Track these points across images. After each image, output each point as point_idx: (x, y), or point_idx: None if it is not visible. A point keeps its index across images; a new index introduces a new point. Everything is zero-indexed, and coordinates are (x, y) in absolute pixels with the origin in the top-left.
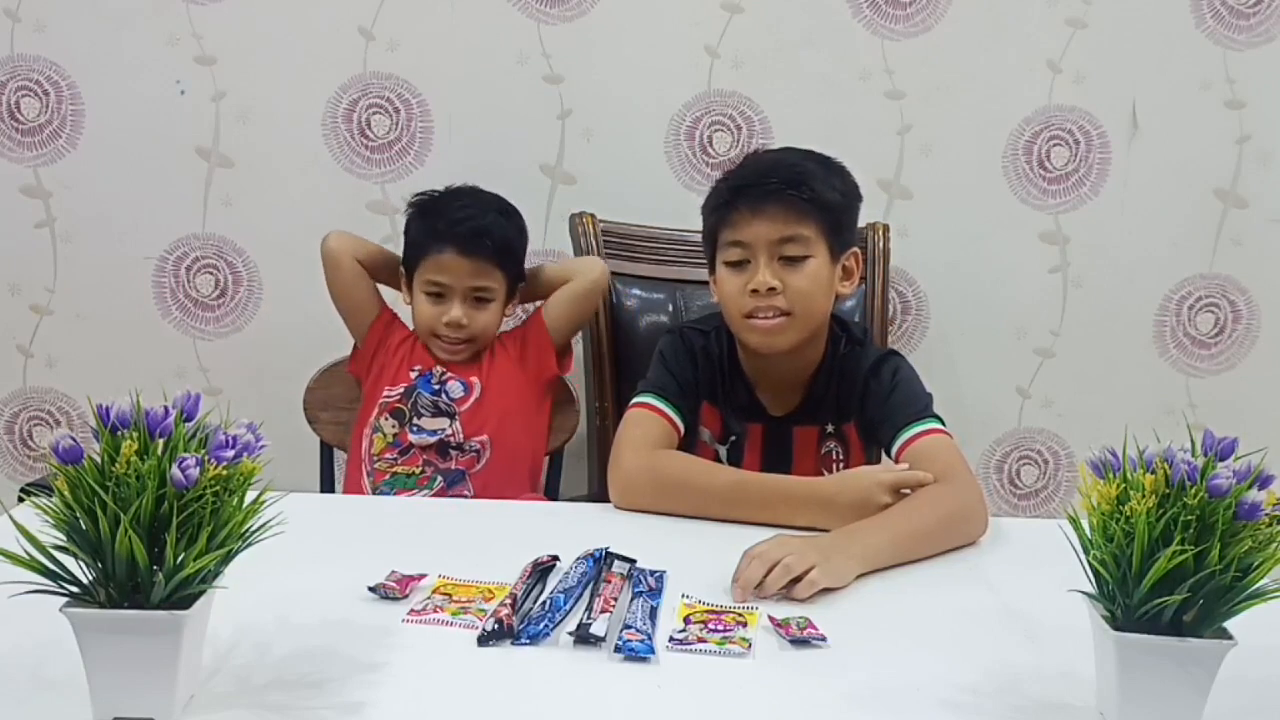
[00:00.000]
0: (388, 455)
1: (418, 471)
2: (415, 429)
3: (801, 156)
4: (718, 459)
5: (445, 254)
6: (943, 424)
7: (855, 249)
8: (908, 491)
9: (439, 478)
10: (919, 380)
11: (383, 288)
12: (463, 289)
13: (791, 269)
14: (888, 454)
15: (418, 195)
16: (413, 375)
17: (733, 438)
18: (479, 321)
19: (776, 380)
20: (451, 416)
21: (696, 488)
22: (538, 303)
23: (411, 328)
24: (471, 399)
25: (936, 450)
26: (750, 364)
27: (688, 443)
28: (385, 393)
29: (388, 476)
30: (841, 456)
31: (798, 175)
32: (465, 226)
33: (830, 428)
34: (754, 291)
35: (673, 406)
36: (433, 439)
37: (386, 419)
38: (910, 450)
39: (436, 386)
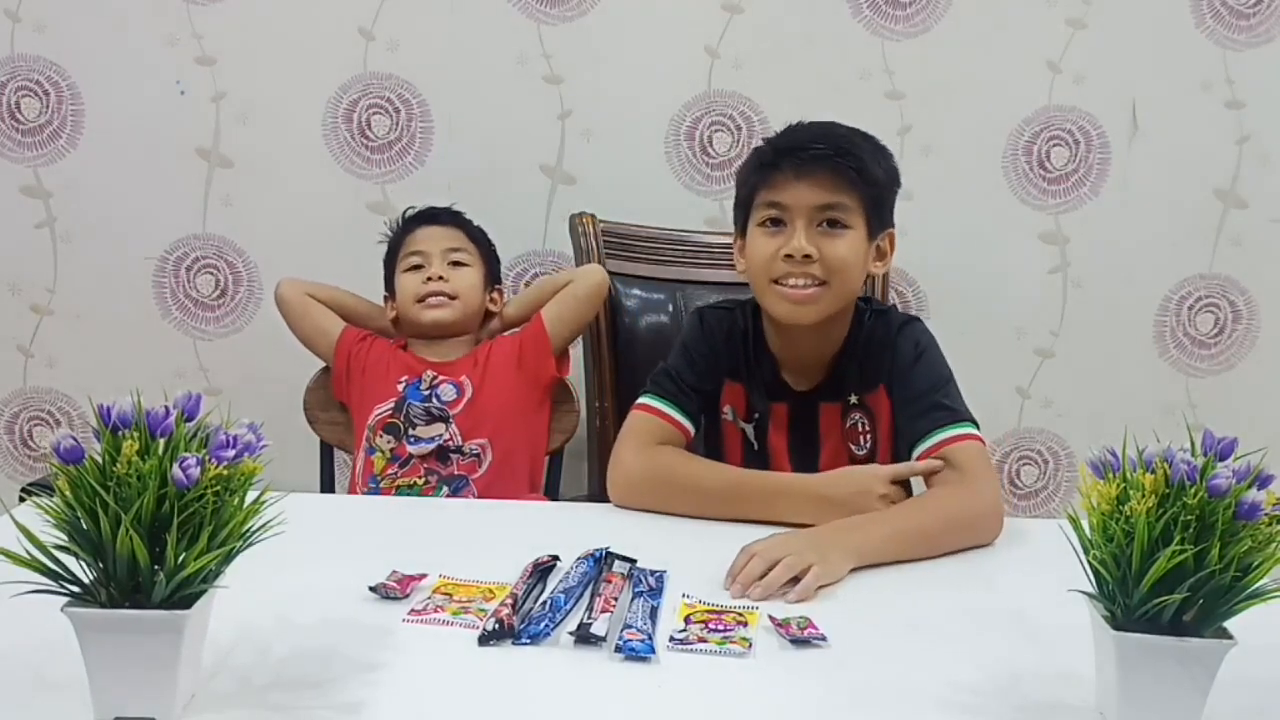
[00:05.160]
0: (389, 472)
1: (420, 482)
2: (412, 439)
3: (849, 130)
4: (744, 438)
5: (420, 229)
6: (973, 422)
7: (891, 230)
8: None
9: (443, 486)
10: (941, 356)
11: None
12: (439, 252)
13: (830, 237)
14: (899, 438)
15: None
16: (400, 387)
17: (757, 415)
18: (459, 279)
19: (800, 356)
20: (446, 420)
21: (695, 487)
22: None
23: (391, 339)
24: (464, 400)
25: (958, 456)
26: (775, 340)
27: (710, 423)
28: (375, 411)
29: (392, 493)
30: (868, 428)
31: (845, 145)
32: (437, 209)
33: (854, 399)
34: (788, 257)
35: (676, 407)
36: (430, 446)
37: (381, 436)
38: (936, 454)
39: (426, 392)
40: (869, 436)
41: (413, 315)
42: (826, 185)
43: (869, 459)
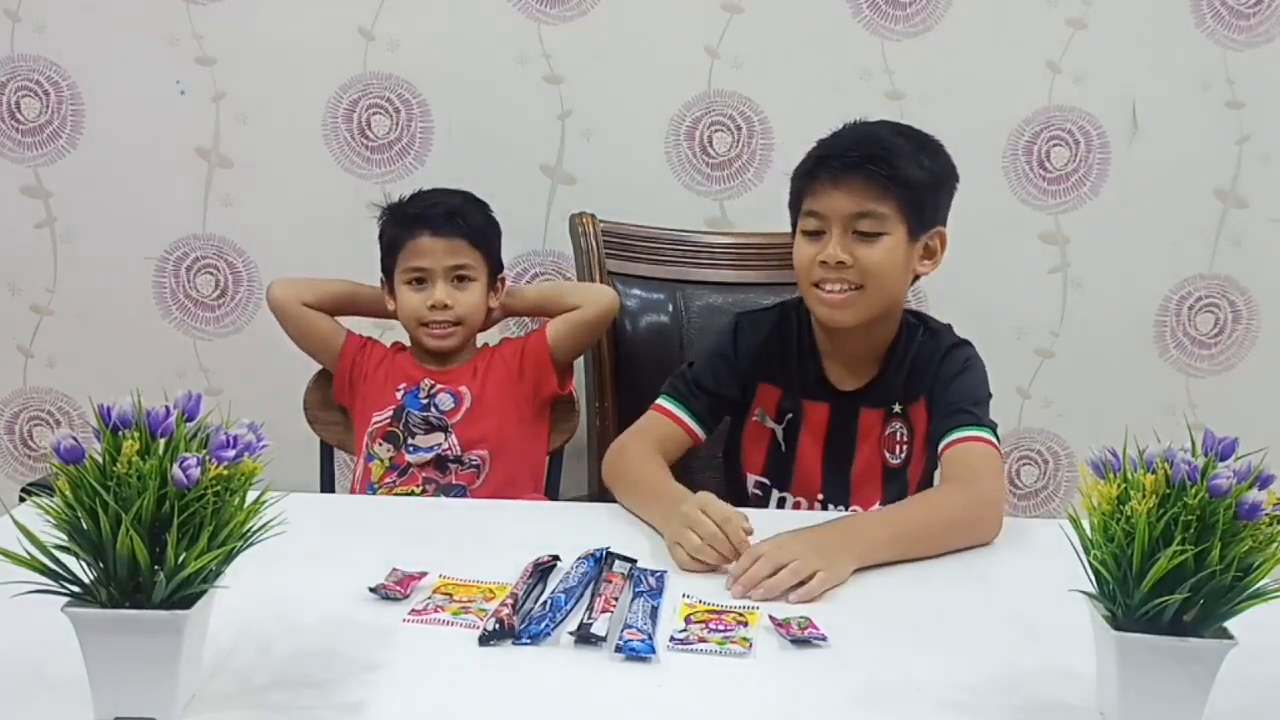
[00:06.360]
0: (387, 480)
1: (418, 490)
2: (411, 448)
3: (892, 131)
4: (773, 438)
5: (420, 238)
6: (993, 432)
7: (940, 229)
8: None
9: (440, 495)
10: (985, 377)
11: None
12: (442, 269)
13: (865, 244)
14: (930, 443)
15: (386, 204)
16: (399, 395)
17: (789, 415)
18: (463, 302)
19: (847, 354)
20: (445, 430)
21: (622, 478)
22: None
23: (389, 344)
24: (463, 409)
25: (968, 455)
26: (822, 336)
27: (735, 426)
28: (374, 419)
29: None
30: (906, 439)
31: (881, 151)
32: (436, 210)
33: (897, 408)
34: (824, 263)
35: (686, 410)
36: (429, 455)
37: (380, 444)
38: (950, 452)
39: (425, 401)
40: (906, 447)
41: (416, 335)
42: (859, 193)
43: (902, 468)
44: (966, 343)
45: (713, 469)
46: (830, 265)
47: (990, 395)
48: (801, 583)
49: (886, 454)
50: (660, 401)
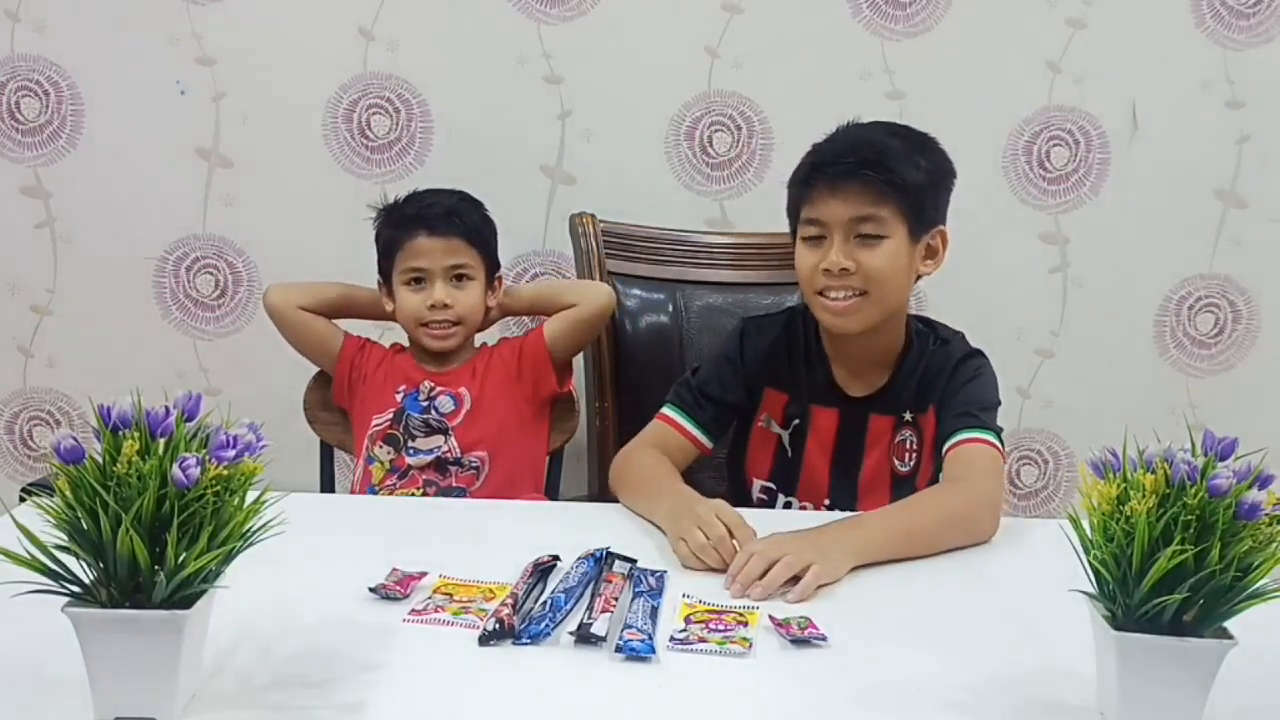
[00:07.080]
0: (388, 482)
1: (418, 493)
2: (411, 451)
3: (887, 133)
4: (779, 444)
5: (418, 239)
6: (998, 436)
7: (941, 228)
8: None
9: (441, 497)
10: (995, 385)
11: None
12: (441, 269)
13: (866, 248)
14: (938, 446)
15: (381, 205)
16: (399, 397)
17: (795, 421)
18: (463, 301)
19: (855, 359)
20: (445, 433)
21: (631, 480)
22: (532, 317)
23: (388, 345)
24: (463, 412)
25: (970, 456)
26: (829, 341)
27: (741, 431)
28: (374, 421)
29: None
30: (915, 447)
31: (876, 154)
32: (432, 210)
33: (908, 416)
34: (826, 271)
35: (689, 418)
36: (429, 457)
37: (381, 447)
38: (953, 453)
39: (425, 403)
40: (914, 455)
41: (415, 336)
42: (857, 199)
43: (910, 476)
44: (979, 352)
45: (713, 469)
46: (833, 272)
47: (999, 403)
48: (797, 578)
49: (895, 461)
50: (665, 410)
